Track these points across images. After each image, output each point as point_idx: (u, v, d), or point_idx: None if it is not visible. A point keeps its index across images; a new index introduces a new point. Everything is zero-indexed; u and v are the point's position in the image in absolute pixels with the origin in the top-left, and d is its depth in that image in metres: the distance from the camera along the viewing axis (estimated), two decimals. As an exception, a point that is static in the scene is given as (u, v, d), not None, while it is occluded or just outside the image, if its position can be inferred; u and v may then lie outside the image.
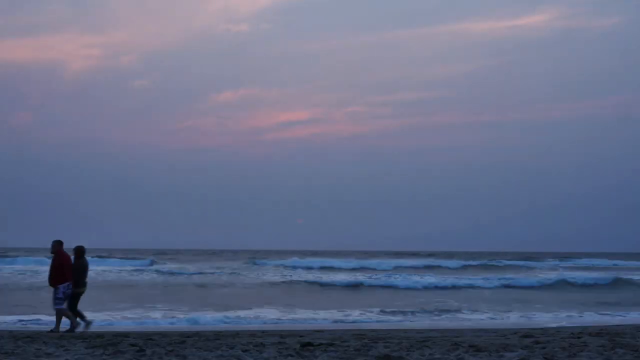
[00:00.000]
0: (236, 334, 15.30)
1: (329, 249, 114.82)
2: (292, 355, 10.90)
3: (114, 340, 13.20)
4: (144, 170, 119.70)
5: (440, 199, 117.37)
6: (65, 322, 16.25)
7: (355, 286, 38.38)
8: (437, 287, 37.90)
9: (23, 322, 19.88)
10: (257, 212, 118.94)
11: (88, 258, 17.03)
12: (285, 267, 59.52)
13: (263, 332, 16.54)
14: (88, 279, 16.82)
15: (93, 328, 16.49)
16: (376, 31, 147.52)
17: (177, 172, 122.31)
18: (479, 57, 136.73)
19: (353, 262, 64.56)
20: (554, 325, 20.55)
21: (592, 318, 23.77)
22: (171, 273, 48.00)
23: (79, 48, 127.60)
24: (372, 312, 24.66)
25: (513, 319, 23.83)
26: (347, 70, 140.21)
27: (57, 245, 16.40)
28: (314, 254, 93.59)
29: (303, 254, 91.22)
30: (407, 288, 37.29)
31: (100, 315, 21.20)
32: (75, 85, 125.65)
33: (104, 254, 75.25)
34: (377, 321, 22.36)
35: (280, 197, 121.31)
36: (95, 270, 42.57)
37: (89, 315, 17.00)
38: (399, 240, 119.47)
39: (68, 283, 16.17)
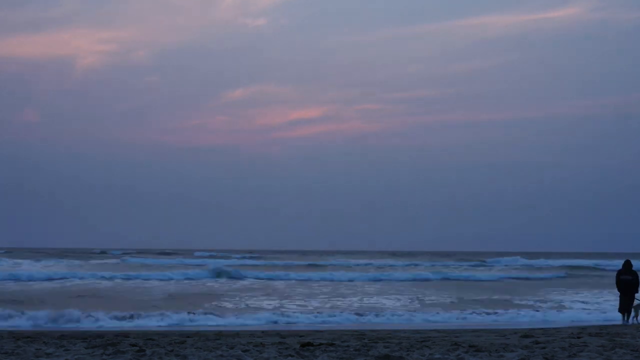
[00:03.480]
0: (236, 334, 15.31)
1: (339, 249, 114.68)
2: (292, 355, 10.91)
3: (114, 340, 13.20)
4: (150, 168, 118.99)
5: (454, 198, 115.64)
6: None
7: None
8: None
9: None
10: (266, 211, 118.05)
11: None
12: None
13: (263, 332, 16.55)
14: None
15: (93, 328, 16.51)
16: (393, 26, 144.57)
17: (184, 171, 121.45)
18: (500, 52, 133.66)
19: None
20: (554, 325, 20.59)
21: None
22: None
23: (90, 44, 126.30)
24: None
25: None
26: (361, 67, 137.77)
27: None
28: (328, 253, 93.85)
29: (325, 254, 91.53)
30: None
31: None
32: (85, 81, 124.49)
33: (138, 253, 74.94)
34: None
35: (287, 196, 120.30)
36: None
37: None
38: (402, 239, 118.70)
39: None
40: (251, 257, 78.97)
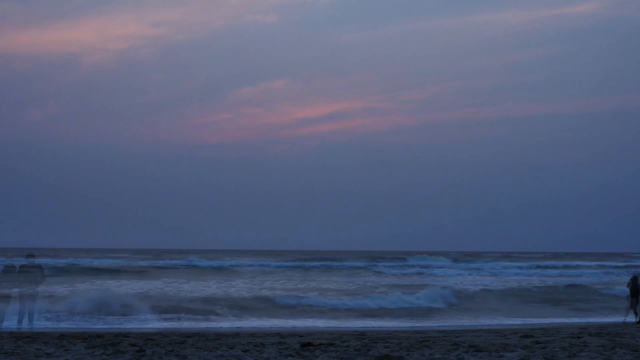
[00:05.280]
0: (236, 334, 15.32)
1: (342, 249, 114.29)
2: (292, 355, 10.92)
3: (114, 340, 13.21)
4: (154, 167, 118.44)
5: (468, 197, 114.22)
6: None
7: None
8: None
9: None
10: (272, 211, 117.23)
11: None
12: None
13: (263, 332, 16.56)
14: None
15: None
16: (403, 23, 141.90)
17: (188, 170, 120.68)
18: (511, 49, 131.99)
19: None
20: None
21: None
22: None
23: (96, 41, 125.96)
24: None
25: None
26: (369, 65, 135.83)
27: None
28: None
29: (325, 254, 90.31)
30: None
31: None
32: (90, 79, 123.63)
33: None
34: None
35: (292, 196, 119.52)
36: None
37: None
38: (409, 239, 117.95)
39: None
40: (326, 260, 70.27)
